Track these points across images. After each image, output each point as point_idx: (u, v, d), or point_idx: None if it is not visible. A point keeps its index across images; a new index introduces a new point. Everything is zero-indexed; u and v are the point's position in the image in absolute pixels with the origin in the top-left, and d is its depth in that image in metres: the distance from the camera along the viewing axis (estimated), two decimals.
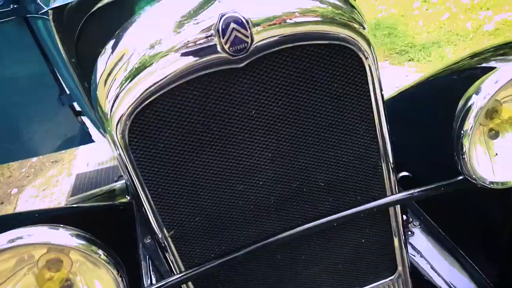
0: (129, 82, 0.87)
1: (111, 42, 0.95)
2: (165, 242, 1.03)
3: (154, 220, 1.00)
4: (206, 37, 0.83)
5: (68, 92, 2.45)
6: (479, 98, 0.85)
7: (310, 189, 1.06)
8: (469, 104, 0.88)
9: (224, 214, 1.02)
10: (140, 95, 0.86)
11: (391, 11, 5.71)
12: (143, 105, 0.87)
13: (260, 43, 0.85)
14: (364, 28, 0.94)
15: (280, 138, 0.98)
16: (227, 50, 0.83)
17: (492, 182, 0.93)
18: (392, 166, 1.09)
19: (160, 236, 1.02)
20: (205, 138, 0.93)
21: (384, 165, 1.08)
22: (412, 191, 1.05)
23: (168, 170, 0.94)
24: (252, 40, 0.83)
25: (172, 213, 1.00)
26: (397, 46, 4.79)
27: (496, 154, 0.94)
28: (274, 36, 0.85)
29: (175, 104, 0.89)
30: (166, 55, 0.84)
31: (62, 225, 0.85)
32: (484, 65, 1.43)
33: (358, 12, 0.96)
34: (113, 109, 0.89)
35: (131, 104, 0.87)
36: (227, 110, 0.92)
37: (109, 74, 0.91)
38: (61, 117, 2.74)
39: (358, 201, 1.12)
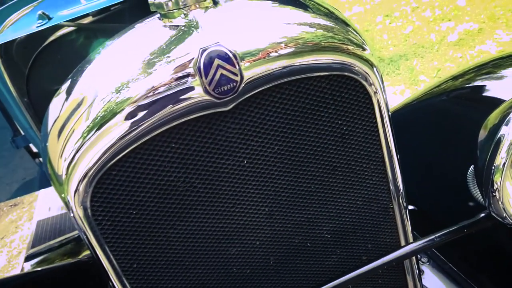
0: (92, 135, 0.69)
1: (67, 84, 0.77)
2: None
3: None
4: (184, 77, 0.67)
5: (23, 133, 2.22)
6: (510, 129, 0.73)
7: (315, 243, 0.90)
8: (498, 135, 0.75)
9: (216, 285, 0.84)
10: (106, 152, 0.69)
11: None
12: (109, 164, 0.69)
13: (250, 80, 0.69)
14: (364, 50, 0.80)
15: (278, 189, 0.82)
16: (212, 92, 0.66)
17: None
18: (404, 204, 0.95)
19: None
20: (188, 197, 0.76)
21: (396, 206, 0.94)
22: (432, 236, 0.91)
23: (144, 241, 0.76)
24: (242, 78, 0.67)
25: None
26: None
27: None
28: (266, 71, 0.70)
29: (149, 161, 0.71)
30: (135, 101, 0.67)
31: None
32: (471, 84, 1.34)
33: (354, 31, 0.82)
34: (70, 171, 0.71)
35: (94, 165, 0.69)
36: (214, 162, 0.75)
37: (64, 124, 0.73)
38: (17, 160, 2.49)
39: (369, 250, 0.97)
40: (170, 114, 0.68)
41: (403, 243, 0.99)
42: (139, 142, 0.69)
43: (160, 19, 0.71)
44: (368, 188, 0.90)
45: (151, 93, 0.67)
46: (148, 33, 0.73)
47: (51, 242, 2.35)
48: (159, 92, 0.67)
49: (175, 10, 0.67)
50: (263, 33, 0.70)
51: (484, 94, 1.30)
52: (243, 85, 0.68)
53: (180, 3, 0.66)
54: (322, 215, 0.88)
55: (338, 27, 0.79)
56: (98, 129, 0.69)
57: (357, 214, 0.92)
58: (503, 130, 0.74)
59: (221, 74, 0.65)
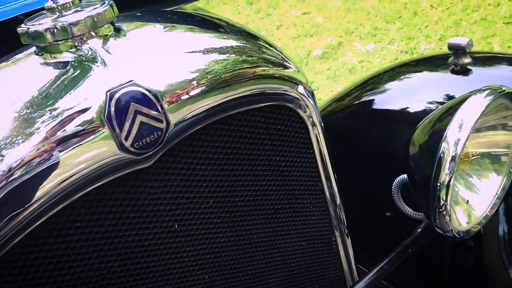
0: None
1: None
2: None
3: None
4: (83, 133, 0.48)
5: None
6: (449, 146, 0.70)
7: None
8: (439, 152, 0.72)
9: None
10: None
11: None
12: None
13: (176, 125, 0.54)
14: (285, 68, 0.70)
15: (218, 250, 0.67)
16: (130, 147, 0.49)
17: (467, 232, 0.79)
18: (346, 232, 0.88)
19: None
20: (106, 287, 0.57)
21: (338, 238, 0.86)
22: (381, 264, 0.84)
23: None
24: (168, 124, 0.51)
25: None
26: None
27: (468, 201, 0.81)
28: (194, 111, 0.55)
29: (46, 252, 0.51)
30: (13, 176, 0.46)
31: None
32: (359, 101, 1.35)
33: (268, 44, 0.72)
34: None
35: None
36: (136, 234, 0.57)
37: None
38: None
39: None
40: (70, 186, 0.49)
41: (347, 272, 0.92)
42: (28, 230, 0.48)
43: (38, 55, 0.51)
44: (312, 225, 0.81)
45: (34, 161, 0.47)
46: (20, 75, 0.52)
47: None
48: (45, 159, 0.47)
49: (61, 42, 0.49)
50: (183, 65, 0.56)
51: (374, 107, 1.32)
52: (168, 133, 0.52)
53: (69, 32, 0.48)
54: (268, 267, 0.76)
55: (249, 45, 0.68)
56: None
57: (302, 256, 0.81)
58: (443, 146, 0.71)
59: (141, 123, 0.48)
